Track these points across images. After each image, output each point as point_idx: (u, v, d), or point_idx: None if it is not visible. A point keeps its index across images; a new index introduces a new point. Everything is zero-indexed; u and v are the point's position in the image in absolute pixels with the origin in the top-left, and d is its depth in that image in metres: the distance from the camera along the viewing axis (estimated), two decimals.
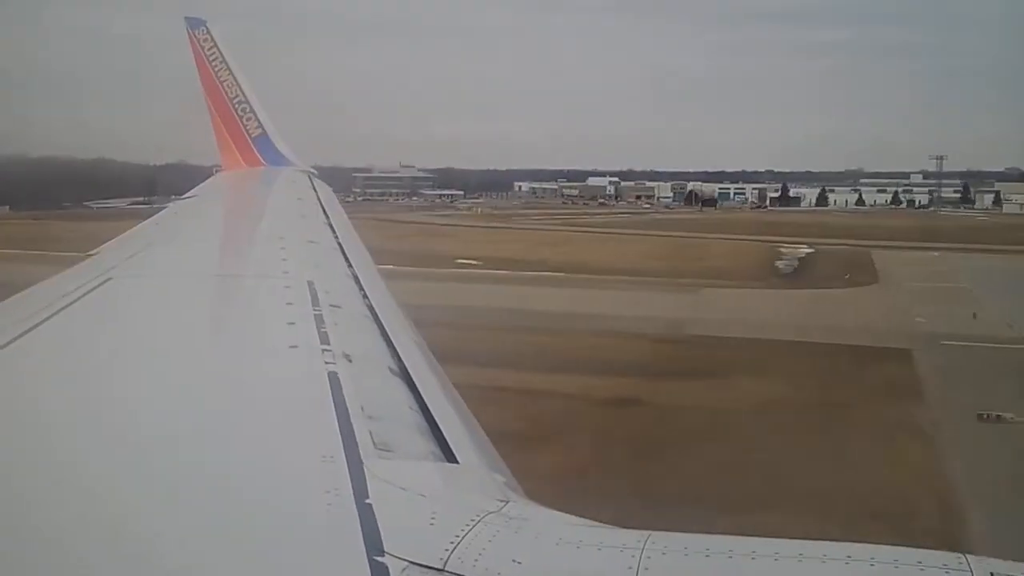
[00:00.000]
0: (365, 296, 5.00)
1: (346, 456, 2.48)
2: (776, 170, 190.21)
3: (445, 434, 2.92)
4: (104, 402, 3.01)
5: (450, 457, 2.76)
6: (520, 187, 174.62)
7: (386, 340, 4.08)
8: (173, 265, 6.13)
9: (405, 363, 3.72)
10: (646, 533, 2.04)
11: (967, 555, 1.92)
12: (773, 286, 49.58)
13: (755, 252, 66.70)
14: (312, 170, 15.51)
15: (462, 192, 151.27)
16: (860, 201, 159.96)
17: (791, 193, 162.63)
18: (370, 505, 2.16)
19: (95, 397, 3.06)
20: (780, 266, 59.54)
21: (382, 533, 2.02)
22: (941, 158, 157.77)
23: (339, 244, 7.02)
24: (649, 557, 1.94)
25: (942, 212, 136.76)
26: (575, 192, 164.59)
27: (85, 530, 2.09)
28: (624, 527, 2.17)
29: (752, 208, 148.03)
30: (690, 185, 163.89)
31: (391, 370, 3.63)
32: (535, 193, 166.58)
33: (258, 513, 2.19)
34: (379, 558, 1.92)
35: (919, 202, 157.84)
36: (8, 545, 2.02)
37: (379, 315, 4.54)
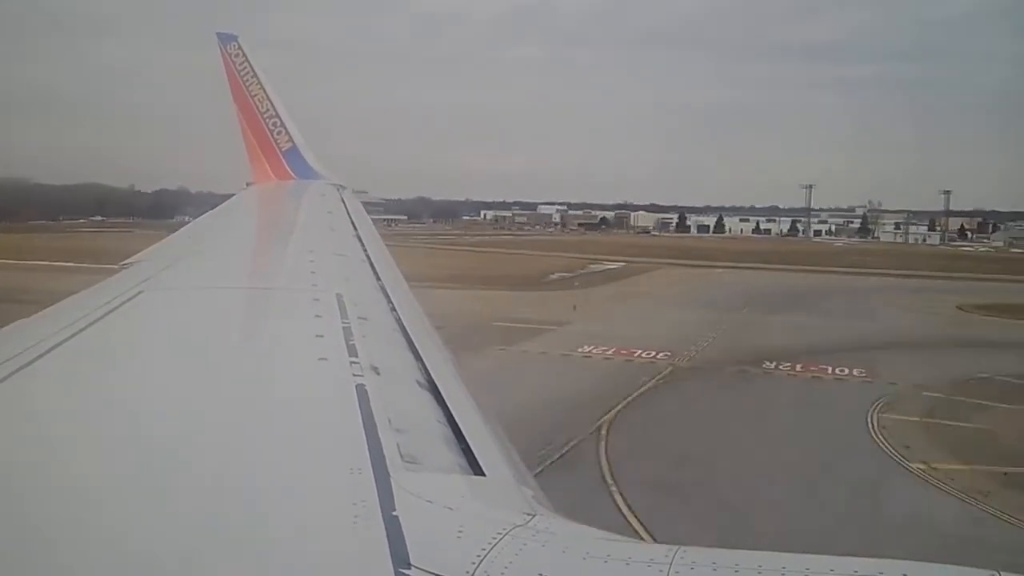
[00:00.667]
0: (393, 309, 5.01)
1: (373, 468, 2.49)
2: (757, 206, 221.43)
3: (472, 447, 2.92)
4: (132, 413, 3.04)
5: (477, 470, 2.75)
6: (484, 214, 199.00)
7: (414, 353, 4.09)
8: (204, 278, 6.19)
9: (432, 375, 3.73)
10: (675, 547, 2.03)
11: (1000, 572, 1.88)
12: (519, 290, 60.53)
13: (559, 265, 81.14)
14: (341, 183, 15.62)
15: (405, 217, 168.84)
16: (757, 228, 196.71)
17: (688, 222, 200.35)
18: (397, 518, 2.17)
19: (123, 408, 3.09)
20: (555, 277, 71.57)
21: (408, 546, 2.02)
22: (810, 186, 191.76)
23: (368, 257, 7.05)
24: (677, 572, 1.92)
25: (808, 239, 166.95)
26: (523, 219, 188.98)
27: (109, 539, 2.11)
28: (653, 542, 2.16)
29: (636, 232, 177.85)
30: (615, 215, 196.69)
31: (419, 383, 3.64)
32: (496, 220, 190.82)
33: (285, 525, 2.20)
34: (406, 571, 1.92)
35: (802, 231, 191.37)
36: (36, 551, 2.04)
37: (407, 328, 4.55)
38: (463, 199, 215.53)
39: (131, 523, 2.19)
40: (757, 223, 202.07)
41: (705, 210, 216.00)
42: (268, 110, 15.73)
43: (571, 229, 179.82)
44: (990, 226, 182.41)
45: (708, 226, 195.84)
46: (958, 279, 78.52)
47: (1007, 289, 70.96)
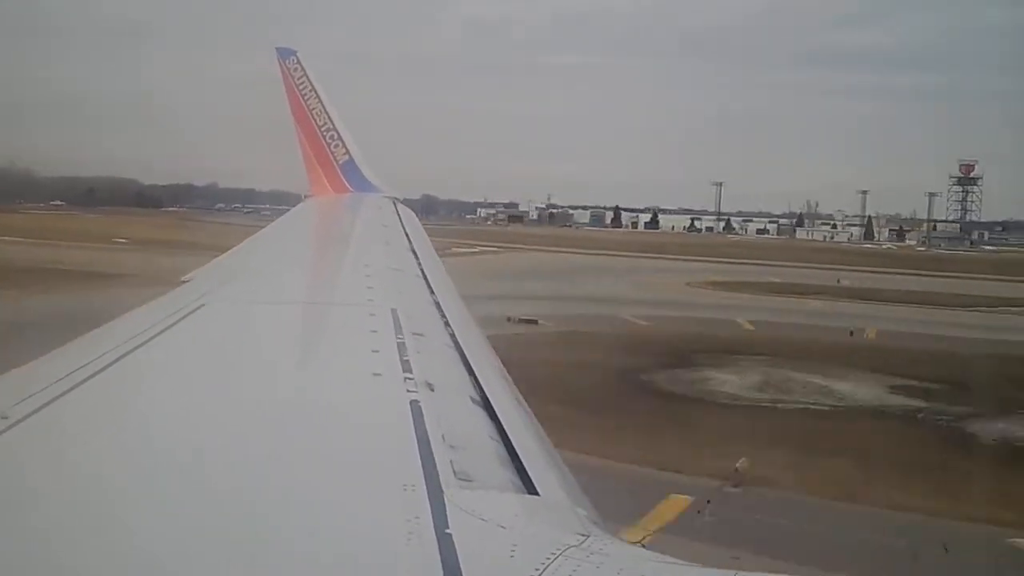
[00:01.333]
0: (447, 324, 5.03)
1: (427, 485, 2.49)
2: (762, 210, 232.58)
3: (526, 465, 2.91)
4: (189, 426, 3.09)
5: (531, 489, 2.74)
6: (480, 212, 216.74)
7: (467, 369, 4.10)
8: (262, 292, 6.29)
9: (486, 392, 3.73)
10: (731, 572, 2.00)
11: None
12: None
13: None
14: (397, 196, 15.76)
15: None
16: (691, 226, 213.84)
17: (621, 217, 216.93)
18: (450, 535, 2.17)
19: (180, 421, 3.15)
20: None
21: (461, 564, 2.02)
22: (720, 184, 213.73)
23: (422, 271, 7.10)
24: None
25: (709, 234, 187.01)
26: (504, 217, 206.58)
27: (161, 551, 2.14)
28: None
29: (560, 226, 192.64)
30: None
31: (472, 399, 3.65)
32: (487, 218, 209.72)
33: (339, 541, 2.22)
34: None
35: (716, 229, 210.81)
36: (91, 553, 2.09)
37: (461, 343, 4.57)
38: (476, 199, 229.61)
39: (186, 537, 2.22)
40: (692, 220, 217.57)
41: (703, 213, 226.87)
42: (326, 123, 15.96)
43: (498, 221, 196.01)
44: (929, 227, 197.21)
45: (644, 221, 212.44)
46: (775, 266, 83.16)
47: (804, 274, 76.30)
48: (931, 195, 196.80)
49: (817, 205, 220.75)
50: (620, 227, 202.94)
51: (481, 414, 3.47)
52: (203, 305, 5.19)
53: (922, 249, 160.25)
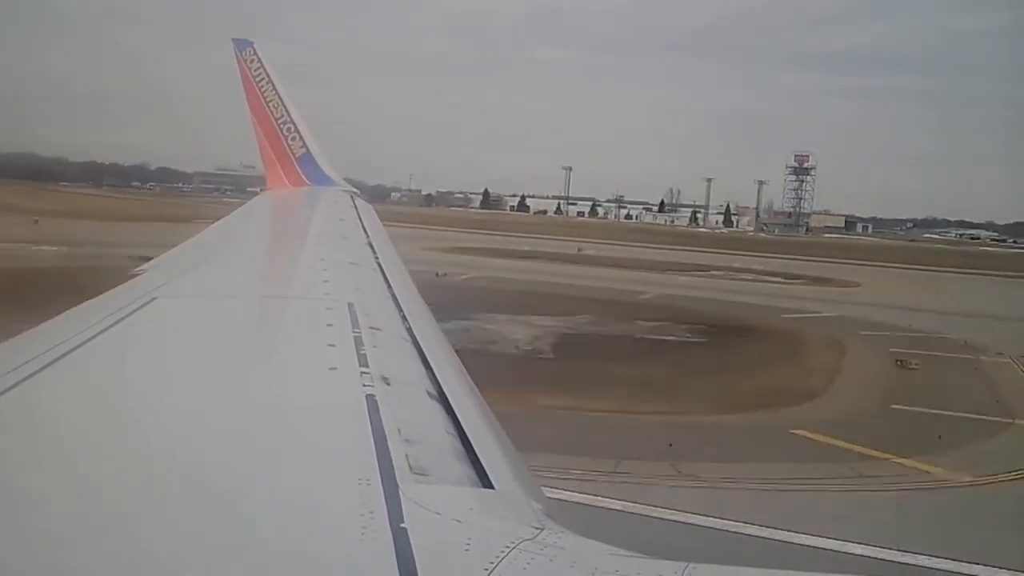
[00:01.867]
0: (404, 318, 5.01)
1: (382, 479, 2.48)
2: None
3: (482, 459, 2.91)
4: (141, 420, 3.04)
5: (486, 483, 2.74)
6: (392, 195, 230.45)
7: (424, 363, 4.08)
8: (216, 285, 6.20)
9: (443, 386, 3.72)
10: (684, 564, 2.01)
11: None
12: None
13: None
14: (355, 190, 15.68)
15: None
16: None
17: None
18: (405, 529, 2.16)
19: (132, 415, 3.09)
20: None
21: (416, 558, 2.01)
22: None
23: (380, 266, 7.06)
24: None
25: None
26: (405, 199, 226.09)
27: (109, 548, 2.11)
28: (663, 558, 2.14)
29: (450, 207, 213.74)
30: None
31: (429, 394, 3.63)
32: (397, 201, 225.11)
33: (292, 535, 2.20)
34: None
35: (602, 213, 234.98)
36: (36, 557, 2.04)
37: (418, 338, 4.55)
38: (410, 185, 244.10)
39: (135, 532, 2.19)
40: (558, 204, 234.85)
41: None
42: (283, 116, 15.84)
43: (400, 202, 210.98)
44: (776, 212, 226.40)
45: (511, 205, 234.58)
46: (566, 240, 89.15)
47: (567, 246, 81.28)
48: (760, 183, 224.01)
49: (679, 193, 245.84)
50: (502, 209, 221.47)
51: (437, 408, 3.46)
52: (155, 298, 5.10)
53: (751, 232, 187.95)
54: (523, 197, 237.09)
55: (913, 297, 53.57)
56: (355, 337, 4.16)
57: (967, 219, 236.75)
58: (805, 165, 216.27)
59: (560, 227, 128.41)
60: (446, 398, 3.57)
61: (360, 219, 11.06)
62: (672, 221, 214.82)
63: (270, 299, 5.79)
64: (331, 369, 3.68)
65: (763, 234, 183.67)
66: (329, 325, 4.42)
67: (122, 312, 4.57)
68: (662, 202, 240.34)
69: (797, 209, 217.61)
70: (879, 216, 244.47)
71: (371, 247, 8.31)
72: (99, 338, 4.07)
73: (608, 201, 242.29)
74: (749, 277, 65.21)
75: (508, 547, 2.08)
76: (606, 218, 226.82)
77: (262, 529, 2.22)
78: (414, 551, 2.04)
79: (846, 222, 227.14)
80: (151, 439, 2.86)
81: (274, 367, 4.02)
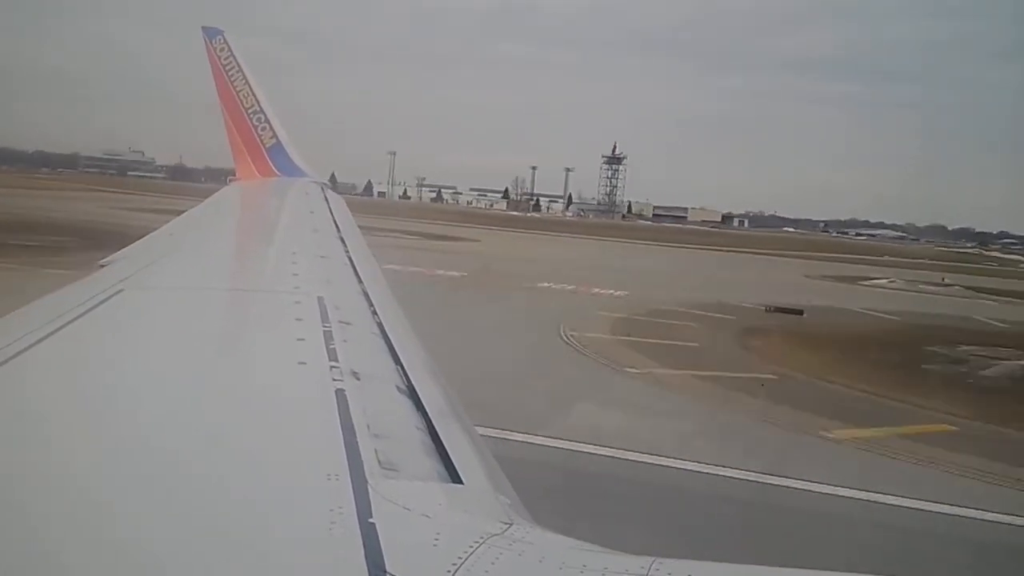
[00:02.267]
0: (375, 312, 4.99)
1: (351, 475, 2.48)
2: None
3: (451, 454, 2.91)
4: (106, 415, 3.02)
5: (456, 478, 2.75)
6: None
7: (394, 358, 4.08)
8: (184, 277, 6.14)
9: (413, 382, 3.72)
10: (651, 559, 2.03)
11: None
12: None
13: None
14: (325, 182, 15.58)
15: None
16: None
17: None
18: (373, 524, 2.16)
19: (97, 410, 3.06)
20: None
21: (384, 553, 2.01)
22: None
23: (350, 259, 7.02)
24: None
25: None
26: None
27: (80, 544, 2.09)
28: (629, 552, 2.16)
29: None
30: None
31: (399, 389, 3.63)
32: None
33: (260, 531, 2.20)
34: None
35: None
36: (5, 559, 2.02)
37: (388, 333, 4.54)
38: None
39: (100, 529, 2.17)
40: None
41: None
42: (253, 106, 15.69)
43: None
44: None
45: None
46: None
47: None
48: (568, 171, 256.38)
49: (523, 182, 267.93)
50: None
51: (407, 403, 3.46)
52: (122, 290, 5.05)
53: (567, 215, 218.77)
54: (369, 181, 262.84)
55: (507, 250, 67.45)
56: (325, 331, 4.15)
57: (896, 222, 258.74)
58: (618, 155, 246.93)
59: (379, 208, 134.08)
60: (416, 393, 3.57)
61: (331, 211, 10.99)
62: (491, 204, 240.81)
63: (239, 292, 5.74)
64: (300, 363, 3.66)
65: (579, 218, 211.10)
66: (298, 319, 4.39)
67: (87, 305, 4.51)
68: (506, 190, 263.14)
69: (611, 196, 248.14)
70: (802, 217, 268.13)
71: (342, 240, 8.26)
72: (64, 331, 4.02)
73: (445, 187, 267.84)
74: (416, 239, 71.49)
75: (477, 542, 2.09)
76: (443, 202, 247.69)
77: (229, 524, 2.22)
78: (382, 546, 2.04)
79: (723, 217, 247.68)
80: (116, 434, 2.84)
81: (242, 361, 3.99)
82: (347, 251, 7.48)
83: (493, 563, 2.01)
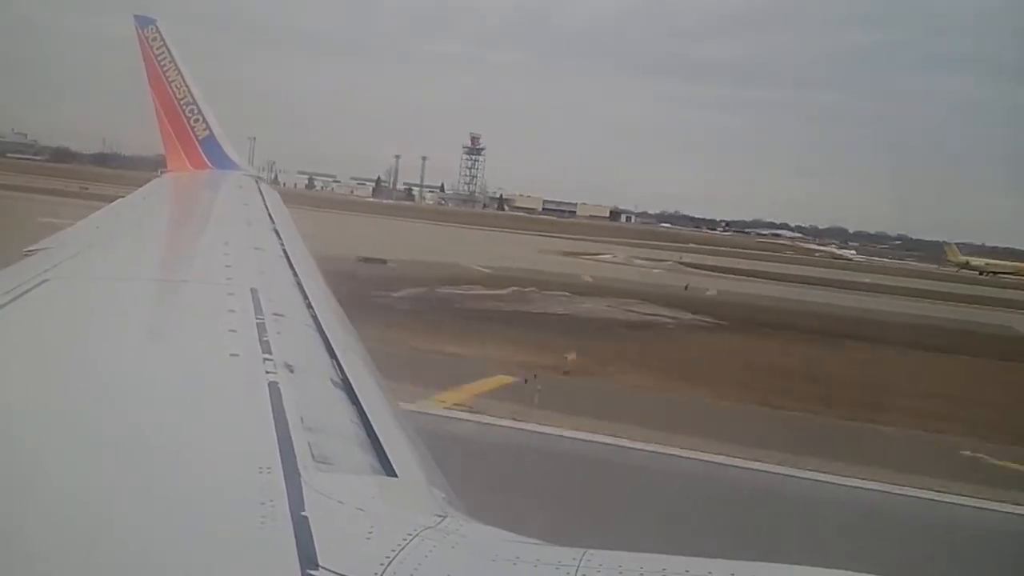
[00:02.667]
0: (309, 306, 4.95)
1: (283, 468, 2.46)
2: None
3: (385, 448, 2.91)
4: (32, 406, 2.93)
5: (389, 471, 2.74)
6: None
7: (329, 351, 4.04)
8: (113, 268, 6.00)
9: (347, 375, 3.69)
10: (581, 550, 2.06)
11: None
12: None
13: None
14: (259, 175, 15.38)
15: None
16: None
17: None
18: (306, 518, 2.14)
19: (19, 402, 2.97)
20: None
21: (317, 546, 2.00)
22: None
23: (284, 252, 6.94)
24: (584, 574, 1.95)
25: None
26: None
27: (9, 544, 2.04)
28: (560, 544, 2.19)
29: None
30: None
31: (333, 382, 3.61)
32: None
33: (191, 524, 2.16)
34: (313, 572, 1.90)
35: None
36: None
37: (323, 326, 4.50)
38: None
39: (24, 529, 2.11)
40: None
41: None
42: (185, 96, 15.39)
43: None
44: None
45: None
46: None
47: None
48: (424, 159, 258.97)
49: (398, 172, 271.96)
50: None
51: (342, 397, 3.44)
52: (47, 280, 4.91)
53: (430, 203, 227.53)
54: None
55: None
56: (258, 323, 4.09)
57: (801, 224, 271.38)
58: (477, 146, 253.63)
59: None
60: (350, 386, 3.55)
61: (265, 204, 10.84)
62: (352, 191, 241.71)
63: (169, 283, 5.63)
64: (232, 355, 3.61)
65: (440, 205, 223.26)
66: (231, 311, 4.33)
67: (11, 294, 4.38)
68: (378, 178, 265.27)
69: (471, 186, 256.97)
70: (709, 216, 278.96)
71: (276, 233, 8.15)
72: None
73: (319, 175, 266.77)
74: None
75: (410, 535, 2.09)
76: (315, 188, 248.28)
77: (159, 517, 2.18)
78: (315, 540, 2.03)
79: (611, 212, 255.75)
80: (39, 429, 2.76)
81: (173, 353, 3.92)
82: (282, 244, 7.40)
83: (427, 555, 2.02)
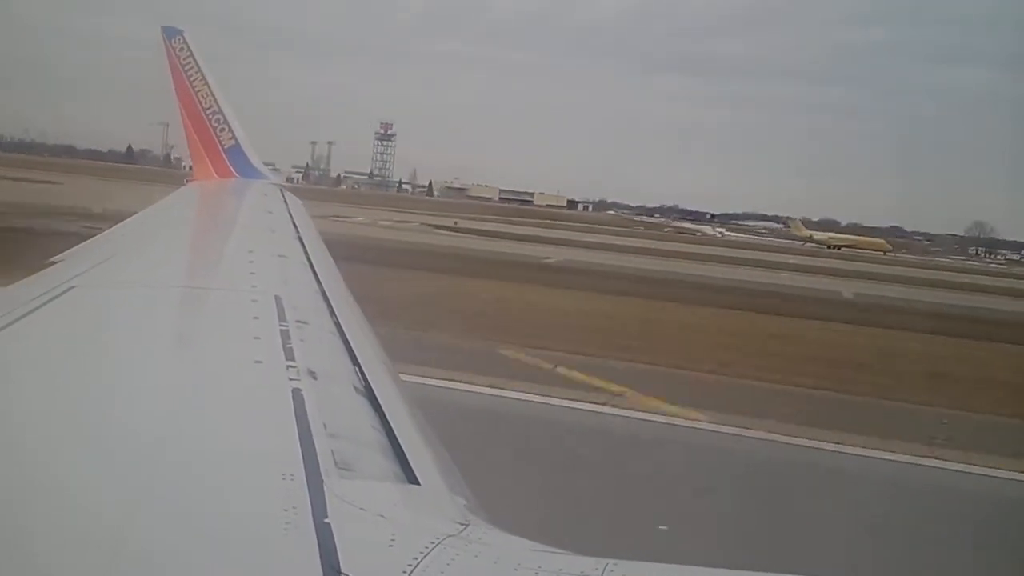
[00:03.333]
0: (332, 312, 4.96)
1: (306, 475, 2.45)
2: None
3: (407, 455, 2.89)
4: (58, 414, 2.95)
5: (412, 478, 2.73)
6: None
7: (351, 358, 4.04)
8: (139, 275, 6.05)
9: (370, 382, 3.69)
10: (605, 560, 2.03)
11: None
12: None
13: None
14: (284, 183, 15.51)
15: None
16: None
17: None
18: (329, 525, 2.14)
19: (46, 408, 2.99)
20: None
21: (339, 553, 1.99)
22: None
23: (308, 259, 6.97)
24: None
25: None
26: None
27: (31, 544, 2.04)
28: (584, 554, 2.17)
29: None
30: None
31: (356, 388, 3.60)
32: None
33: (214, 531, 2.16)
34: None
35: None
36: None
37: (346, 333, 4.50)
38: None
39: (51, 535, 2.12)
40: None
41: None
42: (211, 106, 15.58)
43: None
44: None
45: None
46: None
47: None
48: (313, 144, 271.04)
49: (328, 159, 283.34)
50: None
51: (364, 403, 3.44)
52: (73, 287, 4.95)
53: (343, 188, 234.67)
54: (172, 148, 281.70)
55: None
56: (281, 330, 4.10)
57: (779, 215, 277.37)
58: (389, 132, 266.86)
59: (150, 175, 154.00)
60: (372, 393, 3.54)
61: (289, 212, 10.91)
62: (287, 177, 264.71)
63: (194, 290, 5.66)
64: (256, 362, 3.62)
65: (353, 189, 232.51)
66: (255, 318, 4.34)
67: (37, 301, 4.42)
68: (306, 165, 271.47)
69: (383, 171, 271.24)
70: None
71: (300, 240, 8.20)
72: (11, 328, 3.93)
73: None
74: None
75: (432, 543, 2.08)
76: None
77: (182, 524, 2.18)
78: (337, 547, 2.02)
79: (568, 202, 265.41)
80: (65, 434, 2.78)
81: (196, 359, 3.93)
82: (305, 251, 7.43)
83: (449, 564, 2.00)
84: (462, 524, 2.28)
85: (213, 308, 5.02)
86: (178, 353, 4.10)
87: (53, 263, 6.28)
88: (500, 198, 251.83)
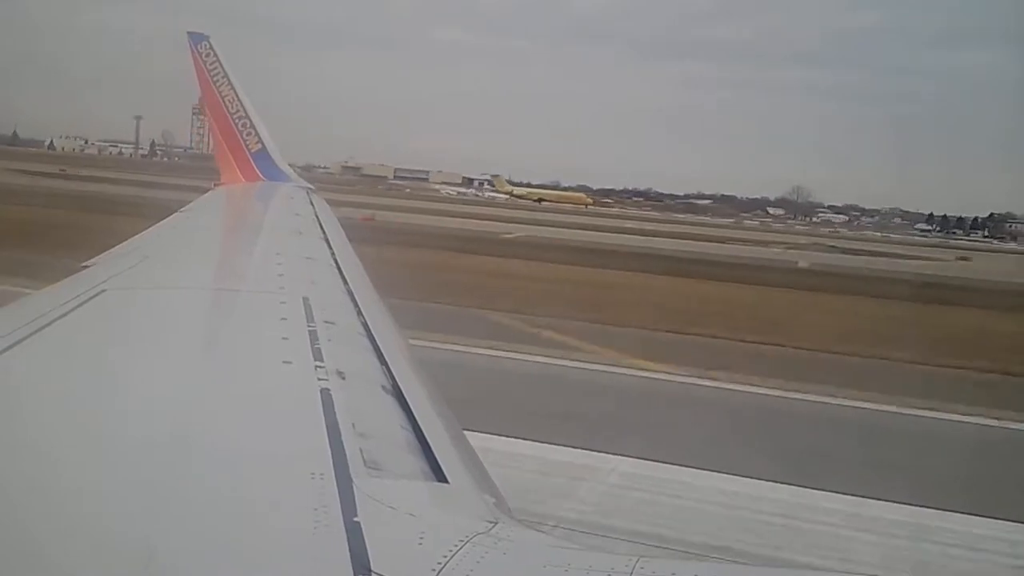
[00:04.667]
0: (360, 313, 4.98)
1: (336, 474, 2.46)
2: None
3: (436, 453, 2.90)
4: (92, 414, 2.98)
5: (440, 477, 2.74)
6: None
7: (379, 357, 4.06)
8: (168, 278, 6.11)
9: (398, 381, 3.70)
10: (635, 557, 2.03)
11: None
12: None
13: None
14: (310, 186, 15.58)
15: None
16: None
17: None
18: (358, 523, 2.15)
19: (80, 409, 3.03)
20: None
21: (369, 552, 2.00)
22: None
23: (335, 261, 7.00)
24: None
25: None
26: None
27: (66, 541, 2.07)
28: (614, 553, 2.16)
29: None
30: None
31: (384, 388, 3.61)
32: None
33: (245, 530, 2.18)
34: None
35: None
36: None
37: (373, 332, 4.52)
38: None
39: (85, 527, 2.14)
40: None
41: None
42: (238, 111, 15.67)
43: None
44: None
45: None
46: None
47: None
48: (138, 119, 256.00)
49: (170, 135, 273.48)
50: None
51: (392, 403, 3.45)
52: (105, 290, 5.01)
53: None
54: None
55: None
56: (310, 331, 4.13)
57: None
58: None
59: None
60: (400, 392, 3.55)
61: (316, 214, 10.97)
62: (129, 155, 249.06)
63: (223, 292, 5.71)
64: (285, 363, 3.64)
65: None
66: (283, 319, 4.37)
67: (70, 304, 4.48)
68: (152, 143, 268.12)
69: (200, 145, 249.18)
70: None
71: (327, 242, 8.24)
72: (46, 330, 3.98)
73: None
74: None
75: (461, 541, 2.08)
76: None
77: (215, 522, 2.20)
78: (367, 545, 2.03)
79: (463, 179, 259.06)
80: (100, 433, 2.81)
81: (227, 360, 3.96)
82: (332, 253, 7.47)
83: (478, 562, 2.00)
84: (491, 522, 2.28)
85: (242, 310, 5.06)
86: (207, 354, 4.14)
87: (85, 267, 6.36)
88: (395, 176, 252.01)
